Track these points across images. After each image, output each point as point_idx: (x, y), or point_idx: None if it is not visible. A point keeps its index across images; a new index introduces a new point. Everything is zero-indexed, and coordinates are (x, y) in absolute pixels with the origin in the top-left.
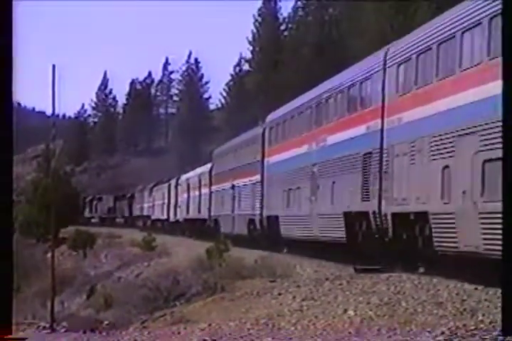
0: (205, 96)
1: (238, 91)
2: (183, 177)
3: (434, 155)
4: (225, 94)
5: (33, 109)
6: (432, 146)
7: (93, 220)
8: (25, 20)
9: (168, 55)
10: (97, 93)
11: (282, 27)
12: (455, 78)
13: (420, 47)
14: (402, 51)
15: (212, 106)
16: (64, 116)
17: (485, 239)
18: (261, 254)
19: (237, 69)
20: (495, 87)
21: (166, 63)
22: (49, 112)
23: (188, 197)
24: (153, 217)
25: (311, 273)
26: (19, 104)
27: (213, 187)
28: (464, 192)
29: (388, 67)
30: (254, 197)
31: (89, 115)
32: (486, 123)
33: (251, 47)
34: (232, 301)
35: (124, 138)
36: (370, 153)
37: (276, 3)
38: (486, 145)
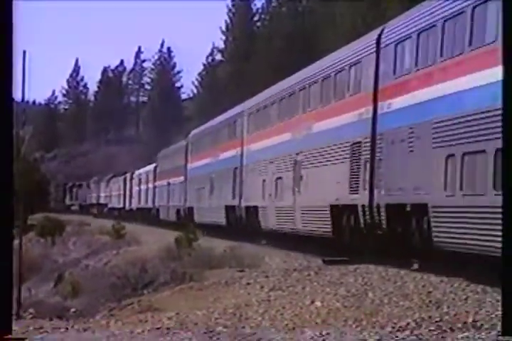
0: (177, 85)
1: (210, 81)
2: (136, 172)
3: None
4: (197, 83)
5: None
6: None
7: (73, 208)
8: None
9: (141, 43)
10: (68, 80)
11: (255, 17)
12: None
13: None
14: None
15: (184, 96)
16: (34, 102)
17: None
18: (230, 244)
19: (210, 58)
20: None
21: (139, 51)
22: (18, 98)
23: (139, 189)
24: (110, 205)
25: (280, 264)
26: None
27: (156, 183)
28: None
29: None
30: (180, 192)
31: (60, 102)
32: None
33: (224, 37)
34: (200, 290)
35: (95, 126)
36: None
37: None
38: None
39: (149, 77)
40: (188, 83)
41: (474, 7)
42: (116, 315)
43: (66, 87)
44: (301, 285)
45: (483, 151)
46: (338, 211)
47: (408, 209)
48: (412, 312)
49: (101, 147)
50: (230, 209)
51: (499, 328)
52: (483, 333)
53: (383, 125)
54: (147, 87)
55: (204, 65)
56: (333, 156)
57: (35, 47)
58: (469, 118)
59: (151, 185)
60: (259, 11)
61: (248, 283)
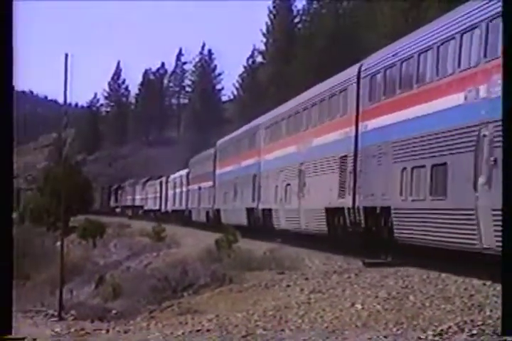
0: (218, 87)
1: (251, 83)
2: (171, 176)
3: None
4: (237, 85)
5: (46, 97)
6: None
7: (117, 210)
8: (41, 11)
9: (182, 45)
10: (109, 83)
11: (296, 19)
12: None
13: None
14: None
15: (224, 98)
16: (76, 105)
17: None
18: (270, 246)
19: (251, 61)
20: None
21: (180, 54)
22: (61, 101)
23: (174, 193)
24: (145, 208)
25: (320, 266)
26: (31, 92)
27: (189, 187)
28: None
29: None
30: (209, 196)
31: (102, 104)
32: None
33: (265, 39)
34: (240, 293)
35: (136, 128)
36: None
37: None
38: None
39: (190, 80)
40: (228, 85)
41: (416, 55)
42: (156, 317)
43: (108, 89)
44: (341, 288)
45: (424, 166)
46: (331, 213)
47: (378, 211)
48: (453, 316)
49: (142, 149)
50: (250, 211)
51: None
52: None
53: (362, 142)
54: (188, 89)
55: (245, 67)
56: (327, 167)
57: (78, 49)
58: (414, 140)
59: (184, 189)
60: (300, 12)
61: (288, 286)
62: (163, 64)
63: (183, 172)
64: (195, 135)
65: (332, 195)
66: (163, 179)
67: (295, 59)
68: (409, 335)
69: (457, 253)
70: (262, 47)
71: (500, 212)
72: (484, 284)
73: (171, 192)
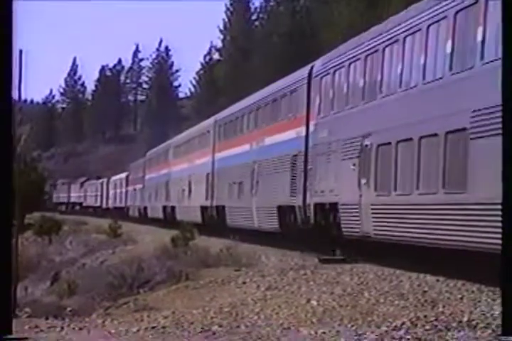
0: (175, 84)
1: (208, 80)
2: (113, 178)
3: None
4: (194, 82)
5: None
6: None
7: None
8: None
9: (139, 42)
10: (65, 79)
11: (253, 17)
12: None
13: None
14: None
15: (181, 95)
16: (32, 101)
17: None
18: (227, 243)
19: (208, 58)
20: None
21: (136, 50)
22: (16, 97)
23: (115, 192)
24: (84, 204)
25: (276, 263)
26: None
27: (128, 188)
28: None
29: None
30: (142, 195)
31: (58, 101)
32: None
33: (222, 36)
34: (196, 289)
35: (93, 125)
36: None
37: None
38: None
39: (147, 76)
40: (185, 82)
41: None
42: (112, 314)
43: (64, 85)
44: (297, 285)
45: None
46: (283, 210)
47: (327, 207)
48: (407, 312)
49: (99, 146)
50: (204, 209)
51: (494, 327)
52: (478, 332)
53: (312, 141)
54: (145, 85)
55: (202, 63)
56: (279, 166)
57: (33, 45)
58: (358, 138)
59: (124, 189)
60: (257, 10)
61: (244, 282)
62: (119, 60)
63: (123, 174)
64: (152, 132)
65: (284, 193)
66: (105, 180)
67: (252, 56)
68: (363, 331)
69: (414, 250)
70: (219, 45)
71: (374, 207)
72: (437, 280)
73: (112, 192)
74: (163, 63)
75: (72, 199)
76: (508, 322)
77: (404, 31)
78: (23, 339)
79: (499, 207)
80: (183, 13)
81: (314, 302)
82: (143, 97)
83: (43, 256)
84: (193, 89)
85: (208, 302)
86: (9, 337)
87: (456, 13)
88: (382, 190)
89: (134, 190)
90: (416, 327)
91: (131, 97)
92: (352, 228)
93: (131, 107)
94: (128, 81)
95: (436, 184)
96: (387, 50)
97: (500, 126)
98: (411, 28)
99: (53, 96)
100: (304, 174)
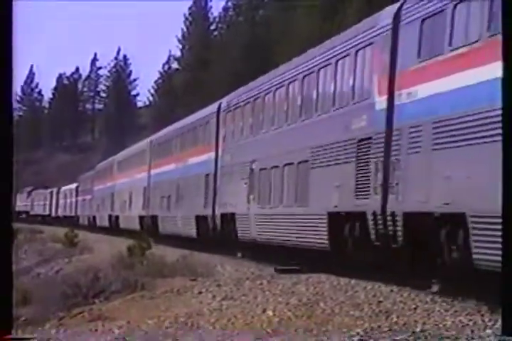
0: (133, 93)
1: (166, 89)
2: (63, 188)
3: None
4: (153, 91)
5: None
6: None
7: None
8: None
9: (97, 50)
10: (22, 87)
11: (212, 26)
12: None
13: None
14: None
15: (140, 104)
16: None
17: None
18: (183, 253)
19: (166, 67)
20: None
21: (94, 59)
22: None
23: (65, 202)
24: (32, 213)
25: (233, 273)
26: None
27: (78, 198)
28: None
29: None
30: (90, 206)
31: (14, 109)
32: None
33: (180, 46)
34: (151, 299)
35: (50, 133)
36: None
37: (206, 3)
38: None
39: (105, 85)
40: (144, 91)
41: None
42: (66, 324)
43: (20, 93)
44: (253, 295)
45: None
46: (200, 219)
47: (229, 216)
48: (362, 322)
49: (56, 154)
50: (141, 218)
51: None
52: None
53: (219, 164)
54: (103, 94)
55: (160, 73)
56: (196, 183)
57: None
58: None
59: (74, 199)
60: (216, 19)
61: (200, 292)
62: (77, 69)
63: (73, 185)
64: (110, 140)
65: (200, 205)
66: (55, 190)
67: (211, 66)
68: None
69: (371, 261)
70: (178, 54)
71: (256, 217)
72: (392, 291)
73: (62, 201)
74: (122, 72)
75: (18, 209)
76: (508, 322)
77: (272, 86)
78: (23, 339)
79: (326, 216)
80: (142, 21)
81: (270, 313)
82: (101, 106)
83: None
84: (151, 98)
85: (163, 312)
86: (9, 337)
87: (290, 83)
88: (262, 204)
89: (84, 200)
90: (370, 338)
91: (89, 106)
92: (244, 233)
93: (88, 116)
94: (86, 89)
95: (292, 199)
96: (266, 97)
97: (326, 159)
98: (278, 83)
99: None
100: (214, 190)
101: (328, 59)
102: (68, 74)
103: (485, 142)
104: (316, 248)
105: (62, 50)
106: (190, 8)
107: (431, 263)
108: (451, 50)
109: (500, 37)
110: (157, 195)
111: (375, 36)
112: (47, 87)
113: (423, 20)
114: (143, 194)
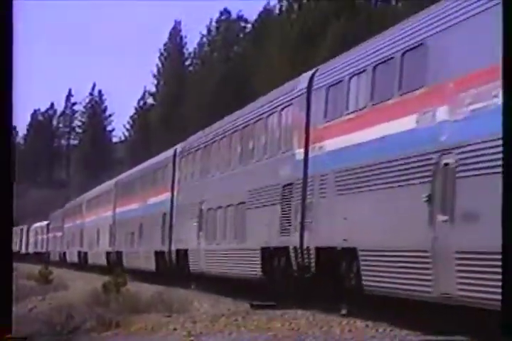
0: (109, 128)
1: (142, 125)
2: (33, 226)
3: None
4: (128, 126)
5: None
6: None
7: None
8: None
9: (72, 86)
10: None
11: (187, 62)
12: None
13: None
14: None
15: (115, 139)
16: None
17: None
18: (158, 289)
19: (142, 102)
20: None
21: (69, 94)
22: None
23: (36, 239)
24: None
25: (208, 309)
26: None
27: (49, 235)
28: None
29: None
30: (61, 243)
31: None
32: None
33: (156, 81)
34: (125, 336)
35: (24, 169)
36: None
37: (181, 39)
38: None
39: (80, 120)
40: (119, 126)
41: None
42: None
43: None
44: (228, 331)
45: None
46: (159, 255)
47: (183, 252)
48: None
49: (30, 190)
50: (108, 254)
51: None
52: None
53: (175, 204)
54: (78, 130)
55: (135, 108)
56: (155, 221)
57: None
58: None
59: (45, 236)
60: (191, 55)
61: (175, 329)
62: (52, 104)
63: (44, 223)
64: (85, 176)
65: (159, 241)
66: (25, 227)
67: (186, 101)
68: None
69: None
70: (153, 89)
71: (205, 252)
72: (367, 326)
73: (33, 238)
74: (97, 107)
75: None
76: (508, 322)
77: (218, 135)
78: (23, 339)
79: (259, 251)
80: (116, 57)
81: None
82: (76, 142)
83: None
84: (126, 134)
85: None
86: (9, 337)
87: (232, 133)
88: (209, 240)
89: (55, 237)
90: None
91: (64, 142)
92: (195, 267)
93: (63, 152)
94: (61, 125)
95: (233, 236)
96: (213, 145)
97: (258, 201)
98: (222, 133)
99: None
100: (170, 227)
101: (261, 114)
102: (43, 110)
103: (370, 190)
104: (252, 278)
105: (37, 86)
106: (165, 44)
107: (337, 289)
108: (347, 114)
109: (379, 106)
110: (122, 232)
111: (294, 98)
112: (22, 122)
113: (329, 87)
114: (109, 231)
